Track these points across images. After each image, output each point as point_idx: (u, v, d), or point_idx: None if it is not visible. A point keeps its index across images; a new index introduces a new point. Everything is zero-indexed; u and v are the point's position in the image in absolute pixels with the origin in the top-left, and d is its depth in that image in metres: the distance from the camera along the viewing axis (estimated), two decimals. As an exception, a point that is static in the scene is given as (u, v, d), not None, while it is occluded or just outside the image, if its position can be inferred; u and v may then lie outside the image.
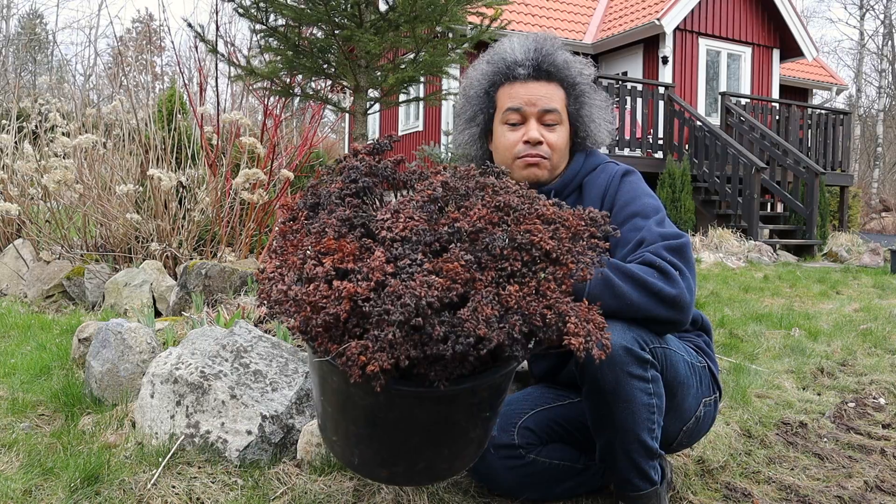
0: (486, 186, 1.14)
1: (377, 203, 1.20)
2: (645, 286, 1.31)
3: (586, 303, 1.08)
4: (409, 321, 0.96)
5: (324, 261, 1.02)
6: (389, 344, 0.97)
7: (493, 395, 1.18)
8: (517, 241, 1.06)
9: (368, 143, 1.26)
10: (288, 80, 4.91)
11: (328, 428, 1.25)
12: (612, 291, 1.31)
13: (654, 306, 1.32)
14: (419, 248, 1.04)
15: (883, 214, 18.86)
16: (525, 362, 1.88)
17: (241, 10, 4.41)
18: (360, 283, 0.98)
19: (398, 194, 1.21)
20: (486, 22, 4.70)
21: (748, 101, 10.51)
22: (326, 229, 1.09)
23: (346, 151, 1.28)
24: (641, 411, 1.34)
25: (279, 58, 4.64)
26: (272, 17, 4.52)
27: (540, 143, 1.56)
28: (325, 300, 0.98)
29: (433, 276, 0.99)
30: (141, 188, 4.21)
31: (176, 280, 3.62)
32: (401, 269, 1.00)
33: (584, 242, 1.11)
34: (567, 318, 1.03)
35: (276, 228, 1.20)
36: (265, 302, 1.07)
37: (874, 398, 2.55)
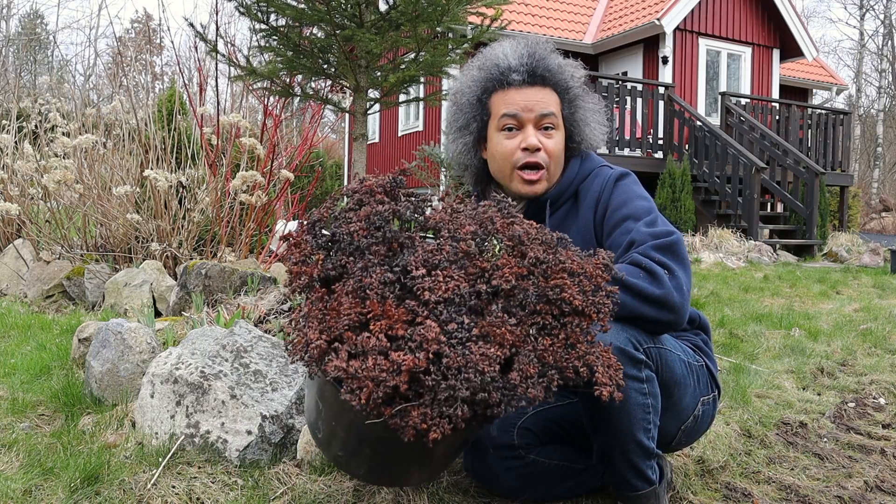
0: (514, 238, 1.15)
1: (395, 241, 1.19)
2: (629, 287, 1.31)
3: (601, 346, 1.13)
4: (475, 396, 1.00)
5: (373, 330, 1.04)
6: (455, 415, 1.00)
7: None
8: (548, 296, 1.10)
9: (382, 179, 1.24)
10: (288, 80, 4.91)
11: (333, 445, 1.25)
12: None
13: (639, 306, 1.32)
14: (463, 310, 1.06)
15: (883, 214, 18.86)
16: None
17: (242, 10, 4.41)
18: (416, 353, 1.01)
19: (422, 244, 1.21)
20: (487, 22, 4.70)
21: (748, 101, 10.51)
22: (367, 290, 1.08)
23: (356, 179, 1.28)
24: (637, 411, 1.34)
25: (279, 58, 4.64)
26: (273, 16, 4.52)
27: (538, 149, 1.55)
28: (384, 374, 1.00)
29: (489, 347, 1.02)
30: (140, 188, 4.21)
31: (176, 280, 3.62)
32: (450, 335, 1.03)
33: (603, 292, 1.15)
34: (595, 368, 1.09)
35: (287, 269, 1.17)
36: (301, 359, 1.07)
37: (874, 398, 2.55)
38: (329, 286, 1.14)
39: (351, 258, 1.13)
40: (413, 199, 1.23)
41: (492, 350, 1.02)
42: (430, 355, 1.00)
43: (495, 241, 1.14)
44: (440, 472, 1.30)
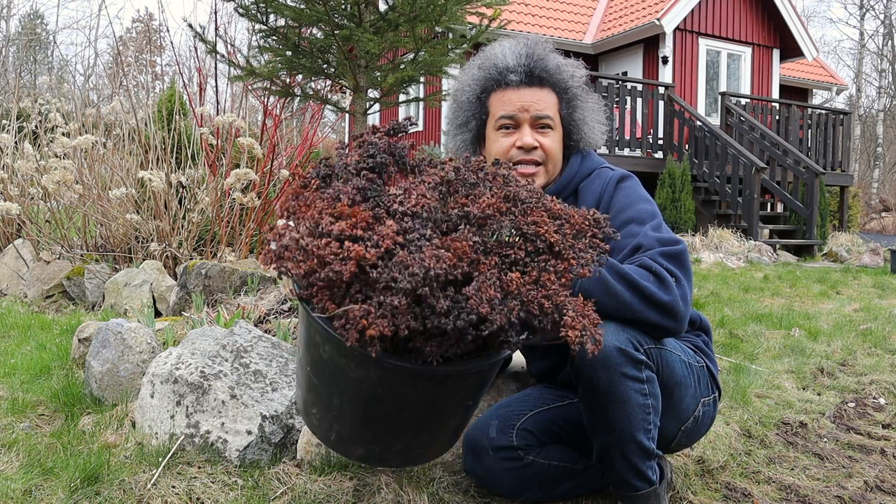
0: (497, 177, 1.16)
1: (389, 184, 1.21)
2: (639, 289, 1.31)
3: (581, 298, 1.09)
4: (415, 290, 0.97)
5: (339, 223, 1.03)
6: (392, 311, 0.97)
7: (479, 383, 1.20)
8: (523, 230, 1.08)
9: (388, 123, 1.27)
10: (287, 80, 4.91)
11: (309, 401, 1.24)
12: (605, 289, 1.31)
13: (646, 309, 1.32)
14: (429, 224, 1.05)
15: (883, 214, 18.87)
16: (524, 361, 1.88)
17: (241, 10, 4.41)
18: (369, 248, 0.99)
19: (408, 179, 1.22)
20: (486, 22, 4.70)
21: (748, 101, 10.51)
22: (341, 195, 1.09)
23: (365, 130, 1.30)
24: (637, 412, 1.34)
25: (278, 58, 4.64)
26: (272, 17, 4.52)
27: (534, 148, 1.56)
28: (332, 256, 0.99)
29: (442, 251, 0.99)
30: (141, 188, 4.21)
31: (176, 280, 3.62)
32: (409, 241, 1.01)
33: (586, 241, 1.12)
34: (564, 309, 1.05)
35: (289, 191, 1.20)
36: (273, 257, 1.07)
37: (874, 398, 2.55)
38: None
39: (341, 181, 1.15)
40: (424, 156, 1.25)
41: (446, 255, 0.99)
42: (382, 251, 0.99)
43: (486, 185, 1.14)
44: (439, 445, 1.26)
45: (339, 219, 1.04)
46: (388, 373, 1.08)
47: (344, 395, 1.17)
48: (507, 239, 1.08)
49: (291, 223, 1.10)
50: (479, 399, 1.25)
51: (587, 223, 1.14)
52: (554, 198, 1.17)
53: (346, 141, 1.41)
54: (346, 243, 0.99)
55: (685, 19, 11.31)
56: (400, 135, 1.24)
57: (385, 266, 0.98)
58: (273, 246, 1.09)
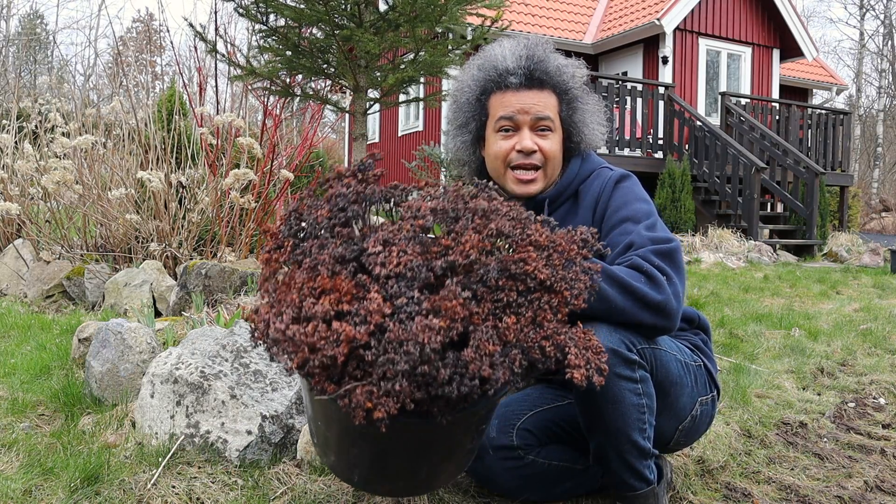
0: (478, 213, 1.11)
1: (365, 226, 1.17)
2: (630, 290, 1.30)
3: (580, 326, 1.08)
4: (414, 370, 0.95)
5: (322, 300, 0.99)
6: (396, 393, 0.96)
7: (490, 411, 1.20)
8: (511, 271, 1.04)
9: (354, 164, 1.22)
10: (288, 80, 4.91)
11: (326, 449, 1.24)
12: (596, 294, 1.30)
13: (639, 311, 1.31)
14: (415, 284, 1.01)
15: (883, 214, 18.87)
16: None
17: (241, 11, 4.41)
18: (358, 326, 0.96)
19: (381, 209, 1.19)
20: (486, 22, 4.70)
21: (748, 101, 10.51)
22: (319, 266, 1.05)
23: (330, 172, 1.25)
24: (631, 412, 1.34)
25: (278, 58, 4.65)
26: (272, 17, 4.52)
27: (534, 151, 1.55)
28: (322, 341, 0.96)
29: (433, 319, 0.96)
30: (141, 188, 4.21)
31: (176, 280, 3.62)
32: (398, 309, 0.98)
33: (578, 267, 1.09)
34: (567, 349, 1.03)
35: (261, 257, 1.16)
36: (262, 341, 1.05)
37: (874, 398, 2.55)
38: None
39: (315, 241, 1.11)
40: (394, 189, 1.19)
41: (436, 322, 0.95)
42: (372, 328, 0.96)
43: (467, 221, 1.09)
44: (458, 466, 1.27)
45: (323, 293, 1.01)
46: (400, 429, 1.07)
47: (360, 447, 1.17)
48: (496, 283, 1.05)
49: (271, 306, 1.06)
50: (491, 418, 1.26)
51: (575, 247, 1.11)
52: (538, 224, 1.13)
53: (328, 176, 1.35)
54: (335, 324, 0.96)
55: (685, 19, 11.30)
56: (367, 174, 1.19)
57: (378, 345, 0.96)
58: (252, 328, 1.07)
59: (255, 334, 1.07)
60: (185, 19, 4.48)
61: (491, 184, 1.20)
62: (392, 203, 1.18)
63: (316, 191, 1.22)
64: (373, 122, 13.91)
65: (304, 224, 1.16)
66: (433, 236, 1.09)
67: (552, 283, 1.05)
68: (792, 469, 1.86)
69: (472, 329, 1.00)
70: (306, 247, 1.11)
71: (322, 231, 1.12)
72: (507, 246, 1.08)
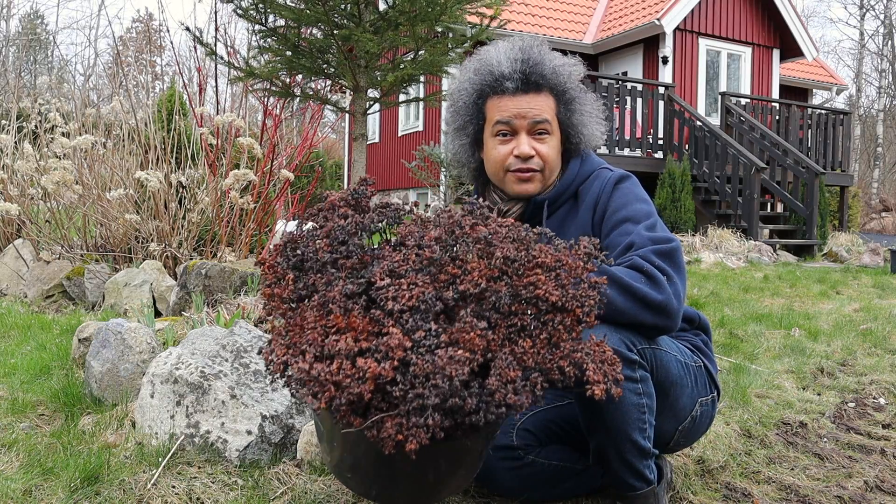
0: (479, 242, 1.11)
1: (365, 254, 1.17)
2: (631, 291, 1.30)
3: (593, 338, 1.09)
4: (445, 402, 0.97)
5: (342, 338, 1.00)
6: (427, 425, 0.97)
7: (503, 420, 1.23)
8: (522, 295, 1.05)
9: (347, 192, 1.21)
10: (287, 80, 4.91)
11: (343, 467, 1.24)
12: None
13: (640, 312, 1.31)
14: (429, 316, 1.02)
15: (883, 214, 18.87)
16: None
17: (240, 12, 4.41)
18: (382, 363, 0.97)
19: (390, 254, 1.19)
20: (486, 22, 4.70)
21: (748, 101, 10.51)
22: (331, 305, 1.06)
23: (323, 202, 1.24)
24: (631, 412, 1.34)
25: (278, 58, 4.65)
26: (271, 18, 4.53)
27: (531, 156, 1.55)
28: (348, 379, 0.97)
29: (456, 350, 0.98)
30: (141, 188, 4.20)
31: (176, 280, 3.62)
32: (417, 343, 0.99)
33: (586, 284, 1.10)
34: (584, 366, 1.04)
35: (263, 291, 1.15)
36: (280, 377, 1.05)
37: (874, 398, 2.55)
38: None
39: (318, 275, 1.11)
40: (386, 210, 1.19)
41: (460, 353, 0.97)
42: (396, 363, 0.97)
43: (467, 247, 1.10)
44: (474, 470, 1.28)
45: (339, 332, 1.02)
46: (423, 450, 1.09)
47: (377, 464, 1.18)
48: (509, 308, 1.06)
49: (287, 347, 1.06)
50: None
51: (581, 262, 1.12)
52: (542, 244, 1.14)
53: (320, 206, 1.33)
54: (359, 361, 0.97)
55: (685, 19, 11.30)
56: (361, 201, 1.20)
57: (404, 379, 0.97)
58: (266, 361, 1.07)
59: (271, 368, 1.08)
60: (182, 24, 4.48)
61: (499, 193, 1.20)
62: (385, 223, 1.19)
63: (307, 213, 1.21)
64: (373, 122, 13.91)
65: (299, 252, 1.15)
66: (438, 258, 1.10)
67: (563, 303, 1.06)
68: (792, 469, 1.86)
69: (490, 356, 1.02)
70: (309, 281, 1.11)
71: (326, 266, 1.12)
72: (514, 270, 1.09)
